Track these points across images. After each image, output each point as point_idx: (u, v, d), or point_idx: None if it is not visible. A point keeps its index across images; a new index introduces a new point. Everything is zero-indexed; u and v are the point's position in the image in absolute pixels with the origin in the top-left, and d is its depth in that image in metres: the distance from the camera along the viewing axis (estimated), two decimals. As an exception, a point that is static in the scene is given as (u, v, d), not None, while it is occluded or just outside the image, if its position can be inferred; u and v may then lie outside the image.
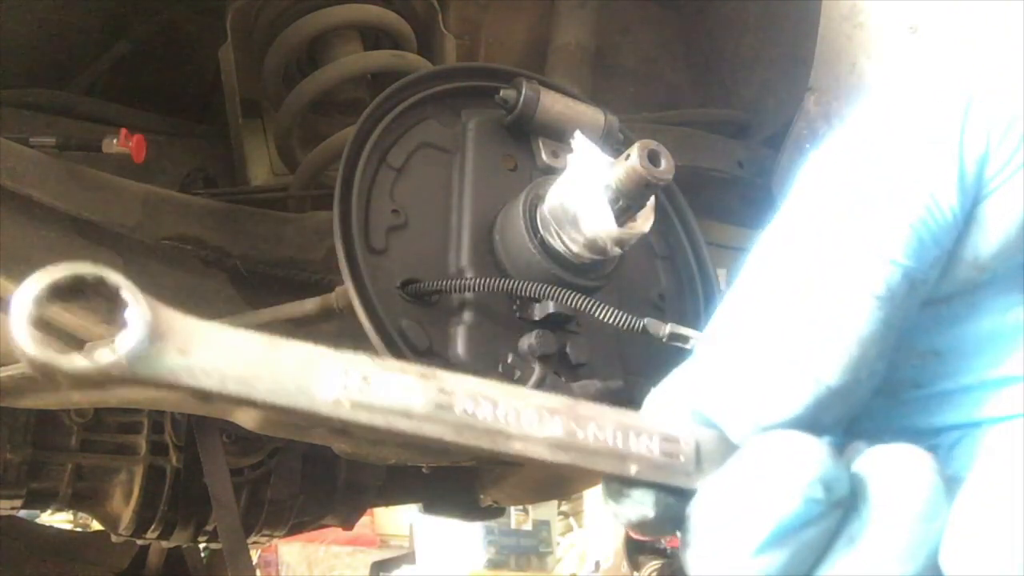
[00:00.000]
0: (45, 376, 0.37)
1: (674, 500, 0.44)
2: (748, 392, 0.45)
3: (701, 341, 0.50)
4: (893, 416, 0.49)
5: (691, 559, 0.44)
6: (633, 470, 0.44)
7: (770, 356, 0.45)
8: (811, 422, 0.44)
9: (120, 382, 0.38)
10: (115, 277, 0.39)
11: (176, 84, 1.59)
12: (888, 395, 0.48)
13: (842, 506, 0.42)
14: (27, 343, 0.36)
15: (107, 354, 0.38)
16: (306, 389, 0.40)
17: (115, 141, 1.17)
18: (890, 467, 0.42)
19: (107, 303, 0.39)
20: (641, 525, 0.45)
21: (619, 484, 0.44)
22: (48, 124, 1.29)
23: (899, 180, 0.44)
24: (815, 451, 0.42)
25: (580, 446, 0.43)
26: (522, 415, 0.43)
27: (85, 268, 0.39)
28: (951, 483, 0.42)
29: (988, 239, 0.45)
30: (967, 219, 0.45)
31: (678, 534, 0.45)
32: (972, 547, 0.40)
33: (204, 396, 0.39)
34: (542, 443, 0.43)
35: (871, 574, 0.41)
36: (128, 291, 0.39)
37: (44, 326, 0.37)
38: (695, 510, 0.44)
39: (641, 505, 0.44)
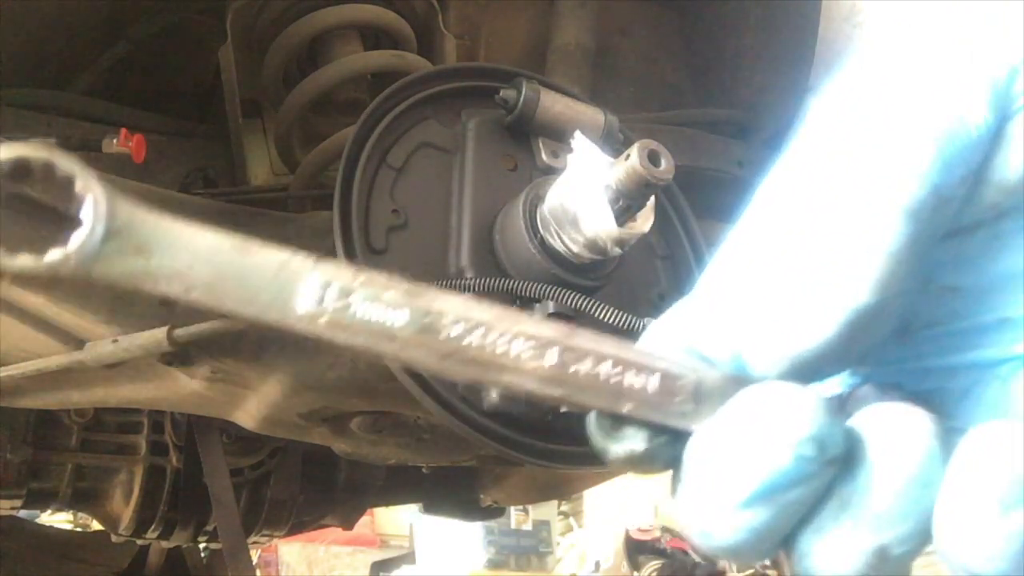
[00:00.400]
0: None
1: (666, 440, 0.42)
2: (772, 319, 0.42)
3: (704, 273, 0.46)
4: (905, 356, 0.46)
5: (679, 504, 0.42)
6: (627, 408, 0.41)
7: (793, 278, 0.41)
8: (843, 349, 0.41)
9: (72, 281, 0.35)
10: (67, 163, 0.35)
11: (176, 84, 1.59)
12: (900, 333, 0.45)
13: (836, 465, 0.39)
14: None
15: (56, 252, 0.34)
16: (280, 301, 0.37)
17: (115, 141, 1.17)
18: (886, 431, 0.40)
19: (61, 192, 0.35)
20: (629, 460, 0.42)
21: (610, 420, 0.42)
22: (48, 124, 1.29)
23: (924, 93, 0.42)
24: (810, 405, 0.39)
25: (572, 380, 0.40)
26: (513, 344, 0.40)
27: (32, 151, 0.34)
28: (957, 435, 0.39)
29: (1017, 159, 0.42)
30: (996, 136, 0.42)
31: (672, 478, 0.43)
32: (966, 503, 0.37)
33: (165, 303, 0.36)
34: (532, 375, 0.40)
35: (858, 541, 0.39)
36: (82, 179, 0.35)
37: None
38: (687, 454, 0.42)
39: (631, 440, 0.42)
